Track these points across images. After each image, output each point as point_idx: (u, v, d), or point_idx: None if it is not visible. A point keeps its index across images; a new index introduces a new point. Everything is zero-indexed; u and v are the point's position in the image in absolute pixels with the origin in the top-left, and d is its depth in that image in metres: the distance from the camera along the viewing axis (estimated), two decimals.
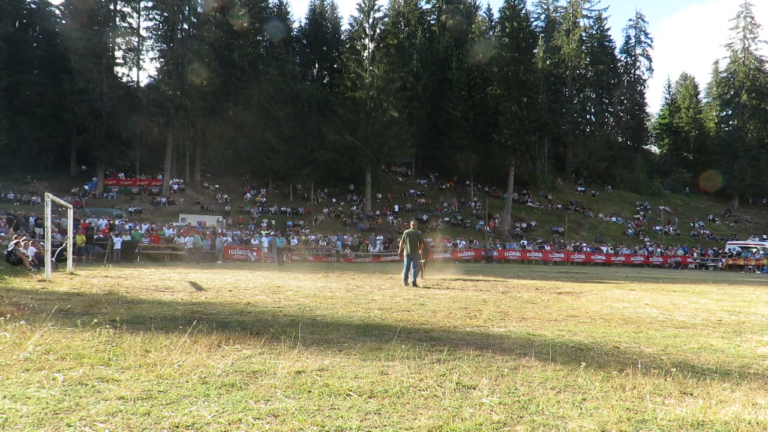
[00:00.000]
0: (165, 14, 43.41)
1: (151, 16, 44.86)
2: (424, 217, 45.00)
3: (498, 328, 6.35)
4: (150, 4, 44.42)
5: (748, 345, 5.59)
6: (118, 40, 43.84)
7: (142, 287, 10.53)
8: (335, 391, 3.43)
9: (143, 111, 39.78)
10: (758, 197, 59.31)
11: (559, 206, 51.55)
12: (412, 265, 12.63)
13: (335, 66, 55.34)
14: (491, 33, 55.58)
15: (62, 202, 14.61)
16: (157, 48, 45.83)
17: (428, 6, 63.52)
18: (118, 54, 44.62)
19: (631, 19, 76.34)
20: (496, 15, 61.26)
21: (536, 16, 64.79)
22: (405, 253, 12.72)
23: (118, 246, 23.65)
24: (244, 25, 46.65)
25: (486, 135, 46.32)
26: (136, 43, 45.00)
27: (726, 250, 40.26)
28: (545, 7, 65.91)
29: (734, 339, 5.94)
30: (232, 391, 3.38)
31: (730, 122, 60.27)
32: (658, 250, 41.68)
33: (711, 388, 3.71)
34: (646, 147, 72.60)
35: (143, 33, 45.08)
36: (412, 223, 13.72)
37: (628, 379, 3.83)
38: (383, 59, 43.51)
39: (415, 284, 12.34)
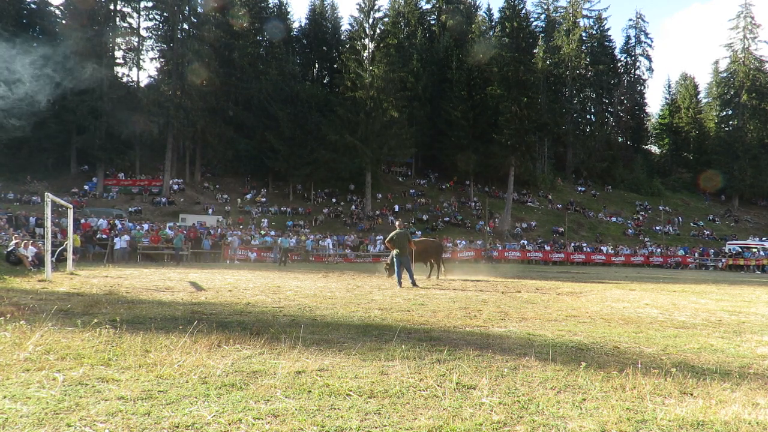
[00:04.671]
0: (165, 14, 43.40)
1: (151, 16, 44.86)
2: (425, 217, 44.98)
3: (498, 328, 6.35)
4: (150, 4, 44.40)
5: (748, 345, 5.59)
6: (118, 40, 43.80)
7: (142, 287, 10.52)
8: (335, 391, 3.43)
9: (143, 111, 39.71)
10: (758, 197, 59.31)
11: (559, 206, 51.54)
12: (404, 267, 12.48)
13: (335, 66, 55.28)
14: (491, 33, 55.53)
15: (62, 202, 14.60)
16: (157, 48, 45.90)
17: (428, 6, 63.54)
18: (118, 54, 44.62)
19: (631, 19, 76.44)
20: (496, 15, 61.29)
21: (536, 16, 64.88)
22: (395, 255, 12.59)
23: (118, 246, 23.64)
24: (244, 25, 46.66)
25: (486, 135, 46.31)
26: (136, 43, 45.00)
27: (726, 250, 40.24)
28: (545, 7, 65.94)
29: (734, 339, 5.94)
30: (232, 391, 3.38)
31: (730, 122, 60.28)
32: (658, 250, 41.65)
33: (711, 388, 3.71)
34: (646, 147, 72.63)
35: (143, 33, 45.10)
36: (398, 223, 13.32)
37: (628, 379, 3.83)
38: (383, 59, 43.47)
39: (414, 284, 12.32)
